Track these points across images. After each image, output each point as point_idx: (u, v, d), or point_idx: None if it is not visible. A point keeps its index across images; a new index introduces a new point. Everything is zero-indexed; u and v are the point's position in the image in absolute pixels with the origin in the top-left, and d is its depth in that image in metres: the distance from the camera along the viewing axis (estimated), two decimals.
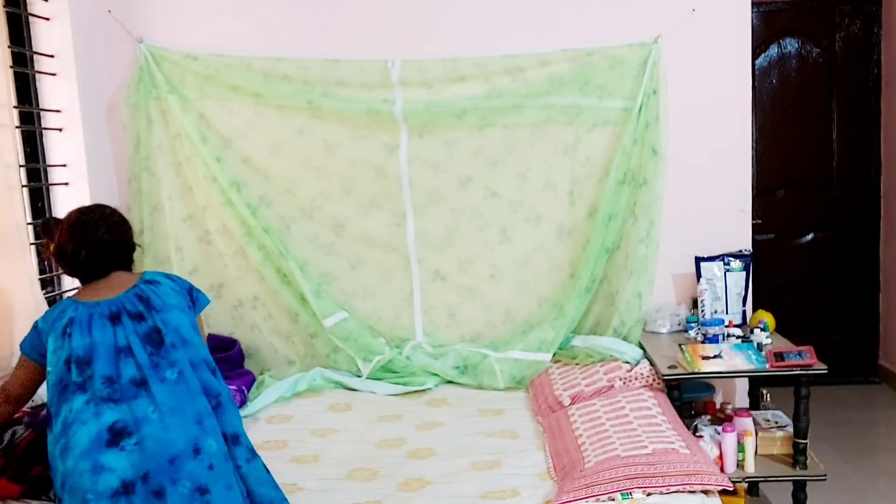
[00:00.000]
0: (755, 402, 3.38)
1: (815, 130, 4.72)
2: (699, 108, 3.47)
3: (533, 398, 3.28)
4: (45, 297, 2.88)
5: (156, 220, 3.58)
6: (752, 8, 3.65)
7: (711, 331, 3.15)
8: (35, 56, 3.22)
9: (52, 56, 3.24)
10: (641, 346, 3.33)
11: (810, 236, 4.81)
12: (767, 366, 2.87)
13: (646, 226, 3.43)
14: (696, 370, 2.88)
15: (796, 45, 4.68)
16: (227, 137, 3.56)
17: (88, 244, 2.05)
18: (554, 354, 3.47)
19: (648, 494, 2.27)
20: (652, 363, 3.13)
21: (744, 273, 3.44)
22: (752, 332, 3.15)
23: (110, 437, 1.86)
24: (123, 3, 3.54)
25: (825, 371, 2.84)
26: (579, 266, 3.52)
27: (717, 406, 3.34)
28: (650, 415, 2.74)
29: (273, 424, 3.11)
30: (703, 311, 3.36)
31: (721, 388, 3.57)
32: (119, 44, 3.52)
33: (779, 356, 2.86)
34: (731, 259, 3.43)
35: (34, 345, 2.04)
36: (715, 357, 2.92)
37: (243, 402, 3.25)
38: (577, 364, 3.35)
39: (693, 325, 3.31)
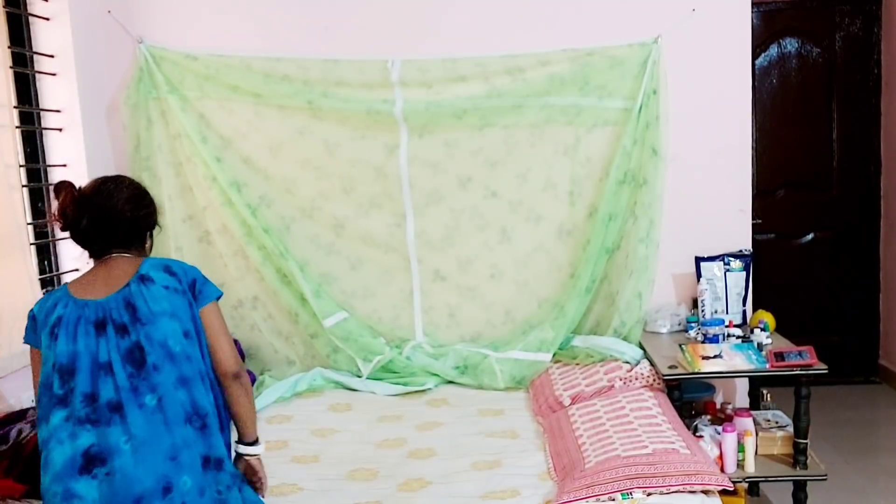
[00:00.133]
0: (755, 402, 3.38)
1: (815, 130, 4.72)
2: (699, 108, 3.47)
3: (533, 398, 3.28)
4: None
5: None
6: (752, 8, 3.65)
7: (711, 331, 3.14)
8: (35, 56, 3.22)
9: (52, 56, 3.24)
10: (641, 346, 3.33)
11: (810, 236, 4.80)
12: (768, 366, 2.86)
13: (646, 226, 3.43)
14: (696, 370, 2.88)
15: (796, 45, 4.68)
16: (227, 137, 3.56)
17: (93, 211, 1.92)
18: (554, 354, 3.47)
19: (649, 494, 2.27)
20: (652, 363, 3.13)
21: (744, 273, 3.44)
22: (752, 332, 3.14)
23: (84, 462, 1.78)
24: (123, 3, 3.54)
25: (825, 371, 2.84)
26: (579, 266, 3.52)
27: (718, 406, 3.33)
28: (650, 415, 2.74)
29: (273, 424, 3.11)
30: (703, 311, 3.36)
31: (721, 388, 3.57)
32: (119, 44, 3.52)
33: (779, 356, 2.86)
34: (732, 259, 3.43)
35: (32, 334, 1.95)
36: (715, 357, 2.92)
37: None
38: (577, 364, 3.35)
39: (693, 325, 3.31)
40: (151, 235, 2.10)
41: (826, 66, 4.68)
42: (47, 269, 3.22)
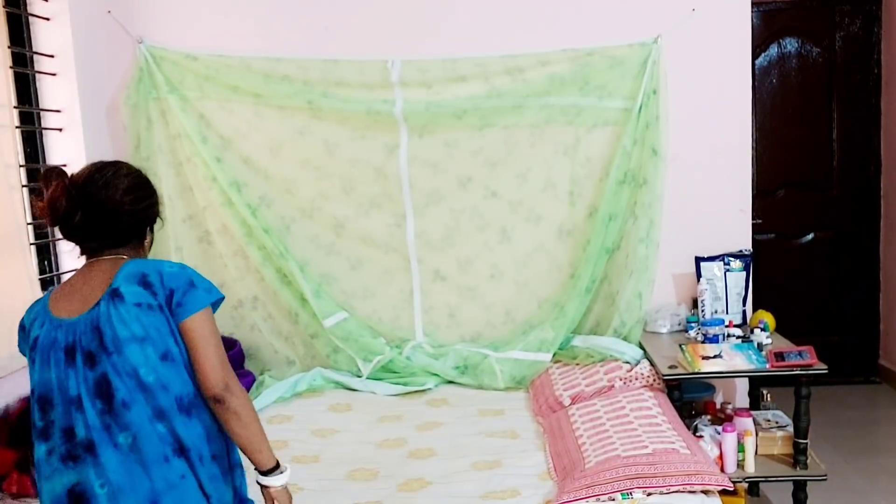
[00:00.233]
0: (755, 402, 3.38)
1: (815, 130, 4.72)
2: (699, 108, 3.47)
3: (533, 398, 3.28)
4: None
5: None
6: (752, 8, 3.65)
7: (711, 331, 3.14)
8: (35, 56, 3.22)
9: (52, 56, 3.24)
10: (642, 346, 3.33)
11: (810, 236, 4.80)
12: (768, 366, 2.86)
13: (646, 226, 3.43)
14: (696, 370, 2.88)
15: (796, 45, 4.68)
16: (227, 138, 3.57)
17: (88, 204, 1.68)
18: (554, 354, 3.47)
19: (649, 494, 2.27)
20: (652, 363, 3.13)
21: (744, 273, 3.44)
22: (752, 332, 3.14)
23: (69, 502, 1.64)
24: (123, 3, 3.54)
25: (825, 371, 2.84)
26: (579, 266, 3.52)
27: (718, 406, 3.33)
28: (650, 415, 2.74)
29: (273, 425, 3.11)
30: (703, 311, 3.36)
31: (721, 388, 3.57)
32: (119, 44, 3.52)
33: (779, 356, 2.86)
34: (732, 259, 3.43)
35: (24, 344, 1.81)
36: (715, 357, 2.92)
37: None
38: (577, 364, 3.35)
39: (693, 325, 3.31)
40: (152, 230, 1.86)
41: (826, 66, 4.68)
42: (47, 269, 3.22)
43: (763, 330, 3.11)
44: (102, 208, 1.70)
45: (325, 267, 3.66)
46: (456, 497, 2.42)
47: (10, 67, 3.02)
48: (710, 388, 3.48)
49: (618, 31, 3.43)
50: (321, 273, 3.66)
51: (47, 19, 3.22)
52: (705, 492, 2.30)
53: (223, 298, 1.78)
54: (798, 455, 2.89)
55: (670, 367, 2.94)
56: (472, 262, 3.62)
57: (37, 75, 3.23)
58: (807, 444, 2.90)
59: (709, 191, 3.54)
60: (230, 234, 3.60)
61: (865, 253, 4.79)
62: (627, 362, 3.22)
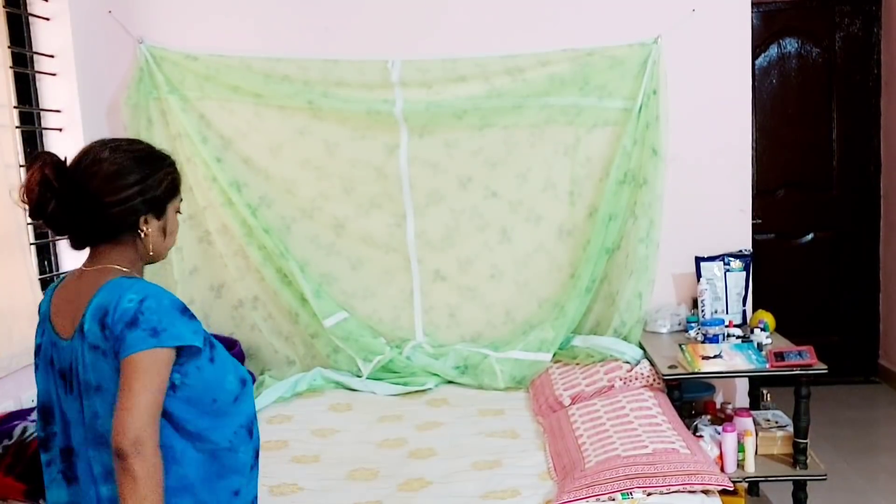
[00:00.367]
0: (755, 402, 3.38)
1: (815, 130, 4.73)
2: (699, 108, 3.47)
3: (533, 398, 3.28)
4: None
5: None
6: (752, 8, 3.65)
7: (711, 331, 3.14)
8: (35, 56, 3.21)
9: (52, 56, 3.24)
10: (642, 346, 3.33)
11: (810, 236, 4.81)
12: (767, 366, 2.86)
13: (646, 226, 3.43)
14: (696, 370, 2.88)
15: (796, 45, 4.68)
16: (228, 138, 3.57)
17: (61, 193, 1.49)
18: (554, 354, 3.47)
19: (649, 494, 2.27)
20: (652, 363, 3.13)
21: (744, 273, 3.44)
22: (752, 332, 3.15)
23: None
24: (123, 3, 3.54)
25: (825, 371, 2.84)
26: (579, 266, 3.52)
27: (718, 406, 3.33)
28: (650, 415, 2.74)
29: (273, 425, 3.11)
30: (703, 311, 3.36)
31: (721, 388, 3.57)
32: (119, 44, 3.52)
33: (779, 356, 2.86)
34: (731, 259, 3.43)
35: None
36: (715, 357, 2.92)
37: None
38: (577, 364, 3.35)
39: (693, 325, 3.31)
40: (159, 217, 1.62)
41: (826, 67, 4.68)
42: (47, 269, 3.22)
43: (763, 330, 3.11)
44: (77, 198, 1.49)
45: (326, 267, 3.66)
46: (456, 497, 2.42)
47: (10, 67, 3.01)
48: (710, 388, 3.48)
49: (618, 32, 3.43)
50: (321, 273, 3.66)
51: (47, 19, 3.22)
52: (705, 492, 2.30)
53: (189, 346, 1.49)
54: (798, 455, 2.89)
55: (670, 367, 2.94)
56: (472, 262, 3.63)
57: (37, 75, 3.23)
58: (807, 443, 2.90)
59: (709, 191, 3.54)
60: (230, 234, 3.60)
61: (865, 253, 4.80)
62: (627, 362, 3.22)
